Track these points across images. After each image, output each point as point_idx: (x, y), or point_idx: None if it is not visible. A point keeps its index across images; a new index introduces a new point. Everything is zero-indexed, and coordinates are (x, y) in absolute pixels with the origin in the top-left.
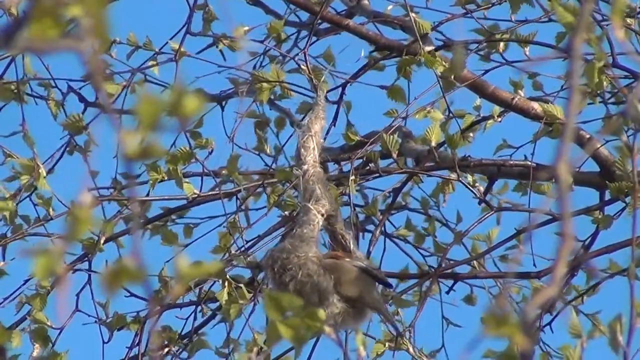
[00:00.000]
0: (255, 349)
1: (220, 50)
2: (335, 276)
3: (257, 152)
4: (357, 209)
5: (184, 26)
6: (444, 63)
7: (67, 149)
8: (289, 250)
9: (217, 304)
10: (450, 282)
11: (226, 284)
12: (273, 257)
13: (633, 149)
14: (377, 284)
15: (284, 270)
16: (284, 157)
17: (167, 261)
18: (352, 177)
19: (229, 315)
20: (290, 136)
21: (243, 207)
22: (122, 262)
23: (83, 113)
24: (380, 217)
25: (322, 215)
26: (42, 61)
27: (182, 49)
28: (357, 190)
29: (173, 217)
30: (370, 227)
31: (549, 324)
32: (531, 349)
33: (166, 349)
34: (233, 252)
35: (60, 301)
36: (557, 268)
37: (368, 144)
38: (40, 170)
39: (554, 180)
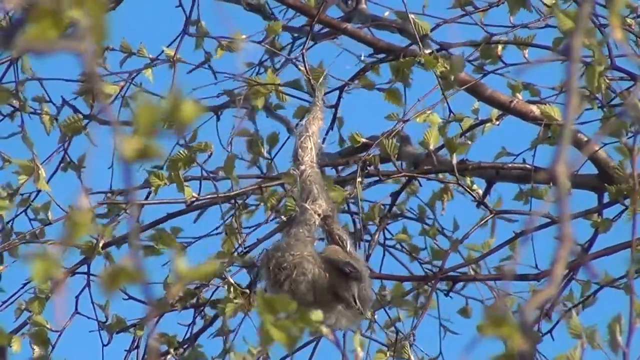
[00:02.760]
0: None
1: (210, 65)
2: None
3: (252, 164)
4: (356, 216)
5: (182, 36)
6: (444, 64)
7: (62, 164)
8: (284, 249)
9: (215, 312)
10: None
11: (229, 288)
12: (268, 255)
13: (633, 150)
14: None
15: (279, 269)
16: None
17: (166, 263)
18: (359, 179)
19: (225, 314)
20: (282, 146)
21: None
22: (121, 263)
23: None
24: (379, 223)
25: (319, 215)
26: (39, 79)
27: (177, 55)
28: (353, 202)
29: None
30: (367, 237)
31: (550, 331)
32: (531, 349)
33: (167, 355)
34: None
35: (58, 305)
36: (556, 269)
37: (372, 147)
38: (40, 172)
39: (552, 183)
